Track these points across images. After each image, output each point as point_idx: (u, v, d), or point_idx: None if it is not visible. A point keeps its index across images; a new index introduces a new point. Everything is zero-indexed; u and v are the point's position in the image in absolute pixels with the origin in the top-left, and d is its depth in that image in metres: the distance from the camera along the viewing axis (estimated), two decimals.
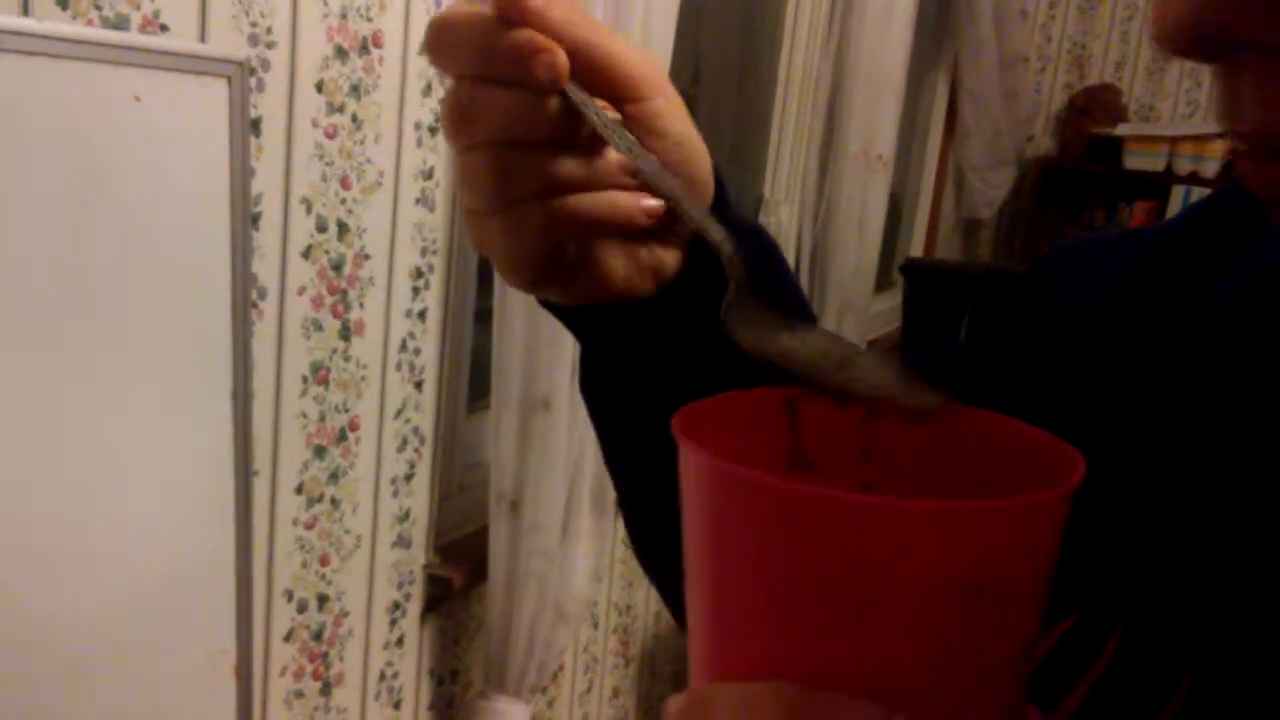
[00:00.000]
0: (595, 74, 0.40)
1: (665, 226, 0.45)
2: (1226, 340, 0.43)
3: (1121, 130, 3.89)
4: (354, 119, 1.27)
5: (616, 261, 0.45)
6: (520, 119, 0.39)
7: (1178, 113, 4.04)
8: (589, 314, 0.48)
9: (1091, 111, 4.00)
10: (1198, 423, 0.42)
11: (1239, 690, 0.36)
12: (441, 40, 0.40)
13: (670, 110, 0.43)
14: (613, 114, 0.41)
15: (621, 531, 2.13)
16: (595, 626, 2.14)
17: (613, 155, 0.42)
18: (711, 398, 0.32)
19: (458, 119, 0.40)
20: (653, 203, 0.43)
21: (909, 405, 0.32)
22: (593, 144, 0.41)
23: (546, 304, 0.49)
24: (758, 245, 0.50)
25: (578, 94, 0.39)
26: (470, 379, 1.64)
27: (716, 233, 0.40)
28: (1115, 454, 0.42)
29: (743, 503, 0.27)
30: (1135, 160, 3.82)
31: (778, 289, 0.51)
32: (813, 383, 0.33)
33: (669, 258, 0.47)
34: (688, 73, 2.44)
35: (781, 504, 0.26)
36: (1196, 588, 0.39)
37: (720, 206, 0.48)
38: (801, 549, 0.26)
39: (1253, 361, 0.41)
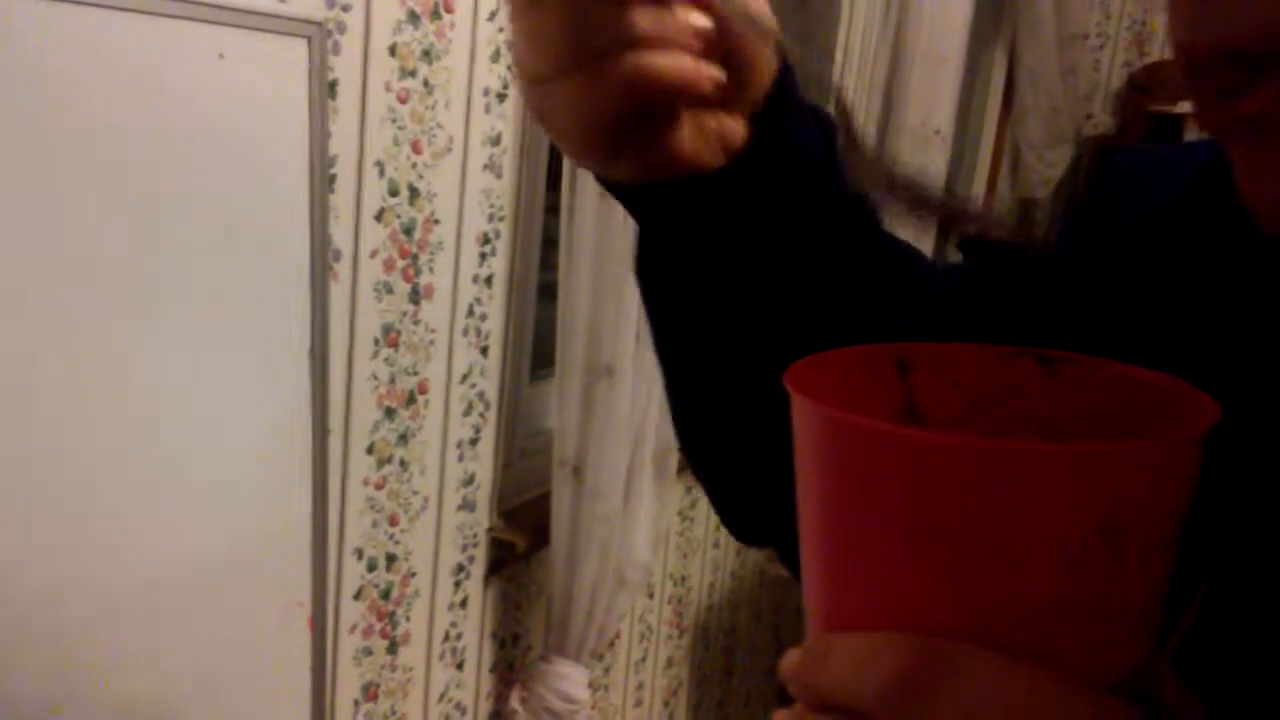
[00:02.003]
0: None
1: (732, 95, 0.43)
2: None
3: (1182, 108, 3.82)
4: (425, 84, 1.28)
5: (684, 130, 0.44)
6: None
7: None
8: (650, 193, 0.47)
9: (1151, 89, 3.92)
10: (1256, 364, 0.40)
11: None
12: None
13: None
14: None
15: (679, 502, 2.14)
16: (650, 596, 2.16)
17: (682, 15, 0.40)
18: (821, 354, 0.32)
19: None
20: (714, 70, 0.42)
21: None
22: (663, 1, 0.40)
23: (606, 185, 0.48)
24: (821, 138, 0.49)
25: None
26: (533, 350, 1.66)
27: (770, 25, 0.40)
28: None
29: (869, 453, 0.26)
30: (1197, 137, 3.74)
31: (838, 187, 0.50)
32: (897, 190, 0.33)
33: (736, 128, 0.45)
34: None
35: (912, 452, 0.26)
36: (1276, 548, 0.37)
37: (783, 90, 0.46)
38: (932, 497, 0.25)
39: None
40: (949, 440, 0.25)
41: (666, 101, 0.42)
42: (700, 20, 0.40)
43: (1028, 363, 0.33)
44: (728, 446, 0.54)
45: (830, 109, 0.49)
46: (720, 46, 0.42)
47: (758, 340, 0.48)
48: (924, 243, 2.85)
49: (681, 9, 0.40)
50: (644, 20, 0.39)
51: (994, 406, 0.33)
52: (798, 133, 0.47)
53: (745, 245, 0.47)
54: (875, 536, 0.27)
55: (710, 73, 0.41)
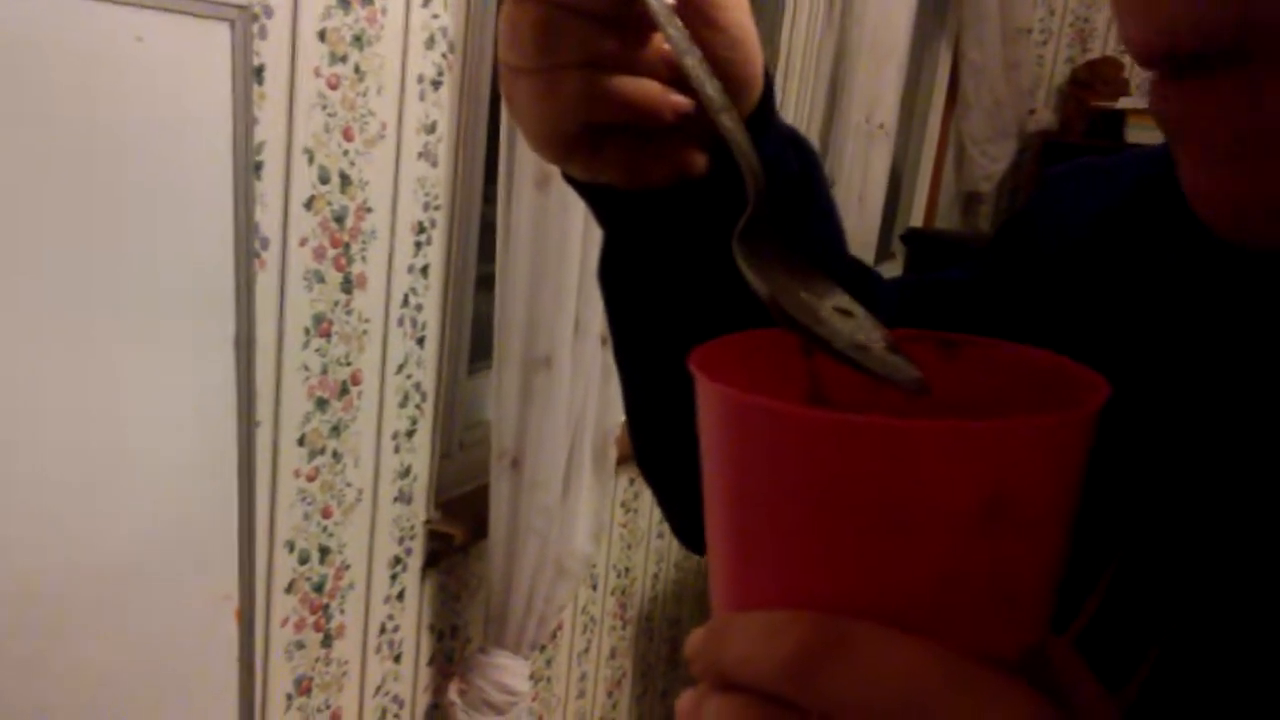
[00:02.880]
0: None
1: (696, 128, 0.44)
2: (1230, 268, 0.42)
3: (1124, 104, 3.88)
4: (356, 70, 1.27)
5: (639, 150, 0.45)
6: None
7: None
8: (613, 197, 0.48)
9: (1093, 85, 3.98)
10: (1190, 359, 0.41)
11: (1221, 641, 0.36)
12: None
13: (732, 1, 0.43)
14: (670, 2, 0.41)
15: (621, 493, 2.14)
16: (594, 588, 2.15)
17: (657, 45, 0.41)
18: (728, 335, 0.32)
19: None
20: (681, 100, 0.42)
21: (881, 377, 0.31)
22: (640, 29, 0.41)
23: (569, 179, 0.49)
24: (798, 158, 0.50)
25: None
26: (472, 342, 1.65)
27: (746, 149, 0.38)
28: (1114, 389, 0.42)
29: (761, 431, 0.27)
30: (1137, 134, 3.81)
31: (808, 210, 0.51)
32: (794, 330, 0.33)
33: (697, 159, 0.46)
34: None
35: (801, 430, 0.26)
36: (1187, 533, 0.38)
37: (765, 111, 0.47)
38: (822, 474, 0.26)
39: (1257, 301, 0.40)
40: (833, 418, 0.25)
41: (623, 120, 0.43)
42: (670, 51, 0.41)
43: (929, 346, 0.33)
44: (681, 453, 0.55)
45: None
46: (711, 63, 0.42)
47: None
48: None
49: (658, 37, 0.41)
50: (609, 43, 0.40)
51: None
52: (773, 150, 0.48)
53: (706, 258, 0.47)
54: (773, 516, 0.27)
55: (674, 102, 0.42)
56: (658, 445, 0.58)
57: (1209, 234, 0.32)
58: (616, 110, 0.42)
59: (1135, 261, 0.46)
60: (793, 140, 0.50)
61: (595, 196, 0.49)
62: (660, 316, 0.51)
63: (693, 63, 0.40)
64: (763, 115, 0.47)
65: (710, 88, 0.39)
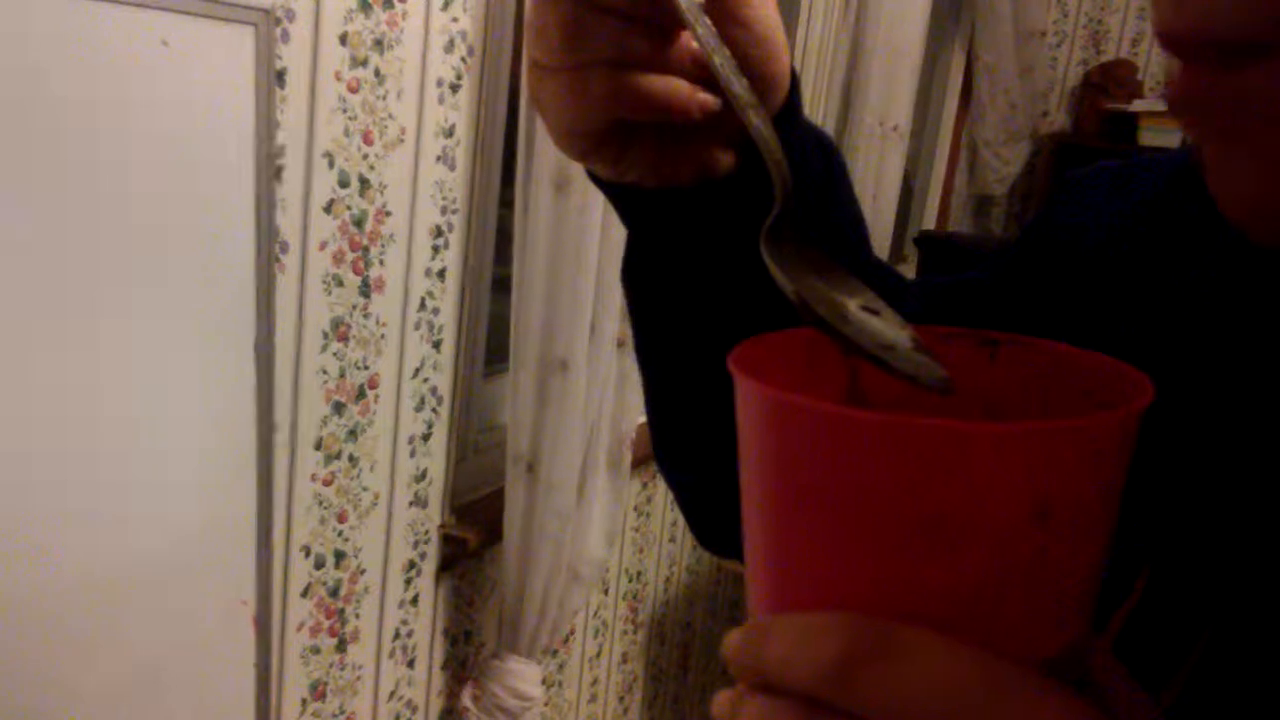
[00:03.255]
0: None
1: (723, 127, 0.44)
2: (1246, 275, 0.42)
3: (1137, 106, 3.86)
4: (377, 73, 1.26)
5: (664, 149, 0.45)
6: None
7: None
8: (638, 196, 0.48)
9: (1107, 87, 3.97)
10: (1213, 365, 0.41)
11: (1259, 643, 0.36)
12: None
13: (759, 0, 0.43)
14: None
15: (634, 497, 2.13)
16: (605, 592, 2.15)
17: (685, 44, 0.41)
18: (765, 335, 0.32)
19: None
20: (709, 99, 0.42)
21: (907, 376, 0.31)
22: (668, 28, 0.41)
23: (594, 178, 0.49)
24: (822, 158, 0.50)
25: None
26: (487, 345, 1.64)
27: (773, 147, 0.39)
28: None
29: (806, 432, 0.26)
30: (1150, 137, 3.79)
31: (832, 209, 0.51)
32: (821, 328, 0.33)
33: (723, 157, 0.46)
34: None
35: (847, 431, 0.26)
36: (1222, 536, 0.38)
37: (791, 109, 0.47)
38: (869, 476, 0.25)
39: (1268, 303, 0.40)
40: (879, 418, 0.25)
41: (649, 118, 0.43)
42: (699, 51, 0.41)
43: (970, 344, 0.33)
44: (703, 451, 0.55)
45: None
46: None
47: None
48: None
49: (685, 35, 0.41)
50: (637, 42, 0.40)
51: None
52: (799, 149, 0.48)
53: (732, 257, 0.47)
54: (815, 518, 0.27)
55: (702, 100, 0.42)
56: (679, 444, 0.58)
57: (1232, 235, 0.32)
58: (644, 108, 0.42)
59: (1159, 263, 0.46)
60: (817, 140, 0.50)
61: (620, 195, 0.49)
62: (684, 316, 0.51)
63: (720, 60, 0.39)
64: (789, 114, 0.47)
65: (738, 85, 0.39)
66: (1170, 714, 0.37)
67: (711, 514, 0.60)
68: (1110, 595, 0.40)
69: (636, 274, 0.52)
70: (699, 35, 0.39)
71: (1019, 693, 0.25)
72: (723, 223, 0.47)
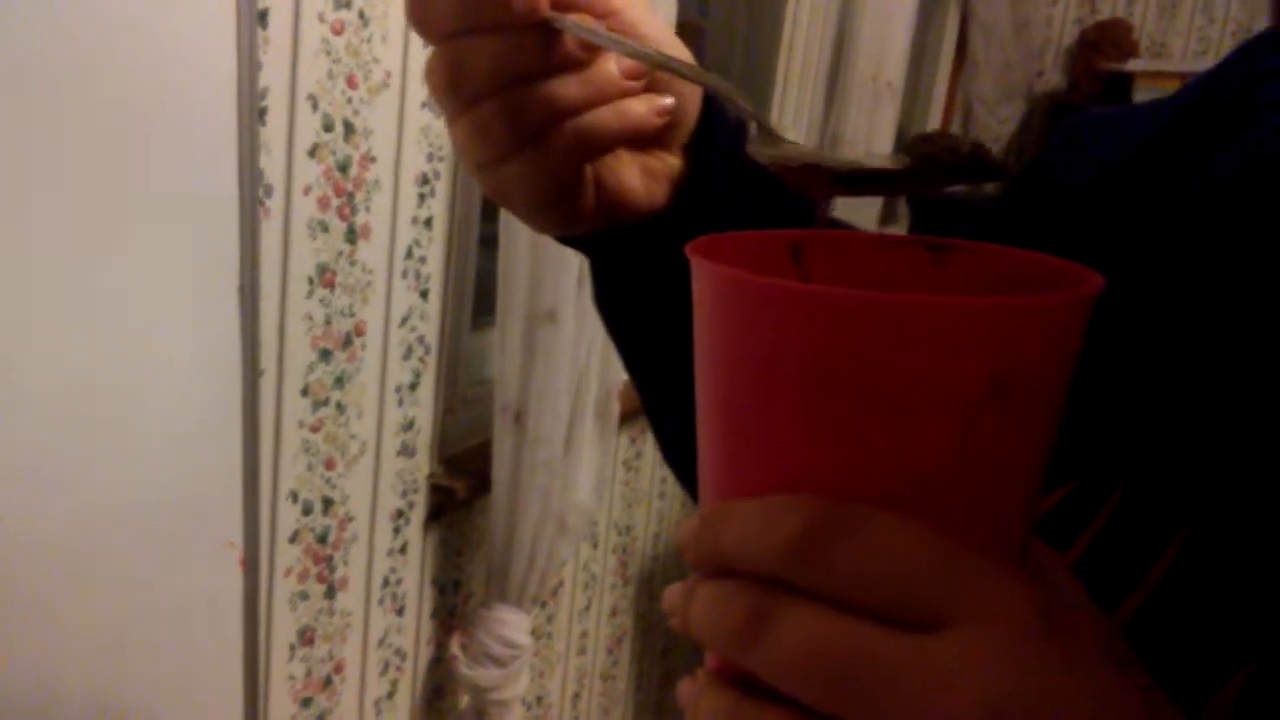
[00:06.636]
0: (562, 2, 0.41)
1: (668, 132, 0.46)
2: (1245, 204, 0.42)
3: (1132, 66, 3.84)
4: (361, 15, 1.25)
5: (634, 176, 0.46)
6: (513, 56, 0.40)
7: (1189, 50, 3.99)
8: (604, 238, 0.49)
9: (1102, 46, 3.94)
10: (1199, 284, 0.41)
11: (1229, 550, 0.36)
12: (421, 5, 0.41)
13: (647, 18, 0.44)
14: (593, 24, 0.42)
15: (624, 451, 2.14)
16: (595, 546, 2.16)
17: (608, 68, 0.42)
18: (716, 235, 0.32)
19: (452, 77, 0.41)
20: (665, 101, 0.44)
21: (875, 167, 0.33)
22: (586, 63, 0.42)
23: (562, 239, 0.50)
24: (753, 187, 0.51)
25: (558, 16, 0.40)
26: (475, 299, 1.64)
27: (740, 96, 0.41)
28: (1117, 319, 0.42)
29: (767, 311, 0.27)
30: (1146, 97, 3.76)
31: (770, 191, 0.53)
32: (817, 168, 0.35)
33: (676, 161, 0.48)
34: (694, 1, 2.40)
35: (805, 307, 0.26)
36: (1196, 450, 0.39)
37: (708, 119, 0.48)
38: (827, 354, 0.26)
39: (1266, 229, 0.41)
40: (842, 294, 0.25)
41: (614, 149, 0.44)
42: (627, 62, 0.42)
43: (918, 250, 0.33)
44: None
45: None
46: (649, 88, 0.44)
47: None
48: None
49: (606, 59, 0.42)
50: (572, 87, 0.41)
51: (885, 290, 0.33)
52: (733, 152, 0.49)
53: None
54: (773, 399, 0.27)
55: (659, 105, 0.44)
56: (683, 444, 0.58)
57: (1220, 180, 0.32)
58: (606, 141, 0.43)
59: (1152, 201, 0.46)
60: (744, 130, 0.51)
61: (586, 242, 0.50)
62: (666, 332, 0.52)
63: (658, 53, 0.41)
64: (709, 118, 0.48)
65: (684, 64, 0.41)
66: (1139, 618, 0.37)
67: None
68: (1090, 506, 0.40)
69: (608, 302, 0.53)
70: (623, 51, 0.41)
71: (978, 572, 0.26)
72: (679, 242, 0.49)
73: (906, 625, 0.25)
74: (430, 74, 0.42)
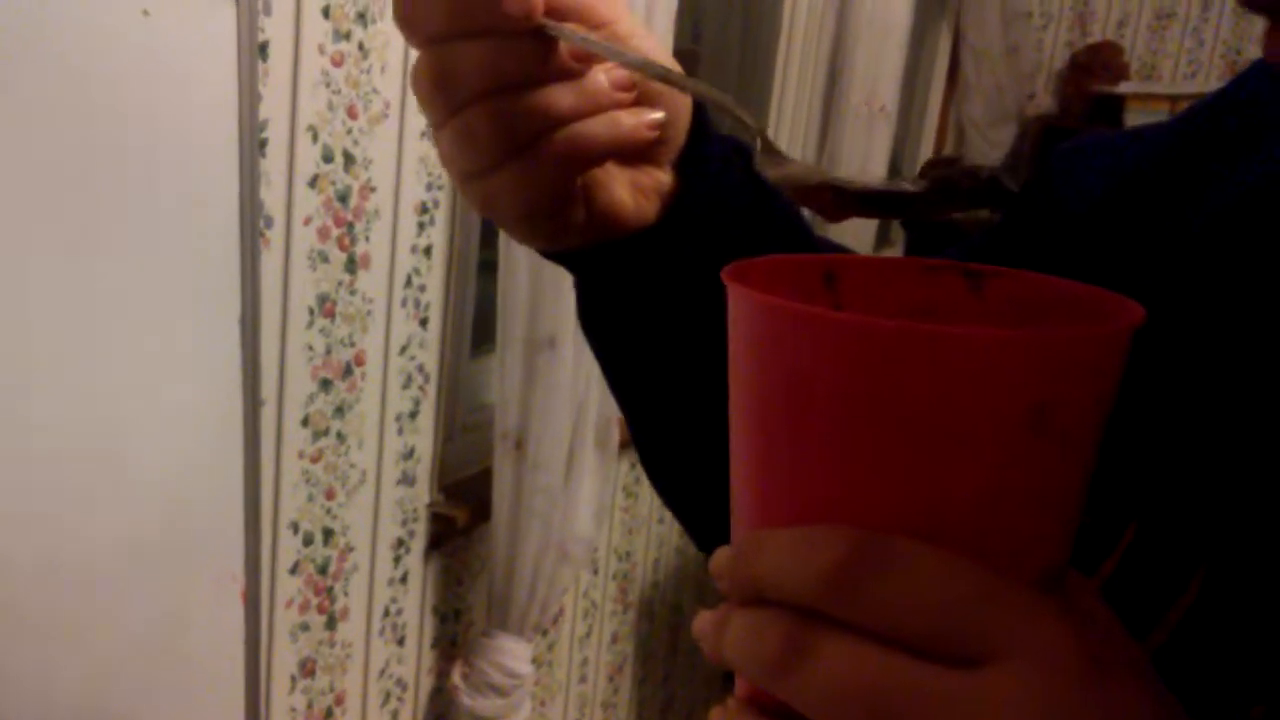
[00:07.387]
0: (555, 9, 0.40)
1: (657, 148, 0.45)
2: (1249, 229, 0.42)
3: (1123, 89, 3.87)
4: (360, 47, 1.25)
5: (623, 191, 0.45)
6: (504, 62, 0.39)
7: (1179, 72, 4.02)
8: (591, 255, 0.48)
9: (1093, 69, 3.97)
10: (1210, 319, 0.41)
11: (1245, 593, 0.36)
12: (410, 6, 0.39)
13: (637, 30, 0.43)
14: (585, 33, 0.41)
15: (624, 477, 2.13)
16: (595, 572, 2.15)
17: (599, 79, 0.41)
18: (750, 260, 0.32)
19: (439, 83, 0.40)
20: (656, 115, 0.43)
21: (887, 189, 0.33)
22: (578, 72, 0.41)
23: (547, 254, 0.48)
24: (743, 165, 0.51)
25: (552, 24, 0.39)
26: (474, 325, 1.64)
27: (741, 109, 0.40)
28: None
29: (806, 339, 0.26)
30: (1137, 119, 3.80)
31: (769, 208, 0.52)
32: (840, 189, 0.35)
33: (666, 178, 0.47)
34: (688, 28, 2.42)
35: (847, 336, 0.26)
36: (1207, 491, 0.38)
37: (700, 125, 0.48)
38: (859, 381, 0.25)
39: (1273, 256, 0.41)
40: (876, 323, 0.25)
41: (603, 161, 0.43)
42: (618, 74, 0.41)
43: (955, 276, 0.33)
44: (694, 469, 0.55)
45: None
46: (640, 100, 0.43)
47: (707, 377, 0.49)
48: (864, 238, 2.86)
49: (597, 70, 0.41)
50: (564, 96, 0.40)
51: (922, 318, 0.33)
52: (723, 169, 0.48)
53: (687, 289, 0.48)
54: (810, 428, 0.27)
55: (650, 119, 0.42)
56: (670, 466, 0.57)
57: (1230, 203, 0.31)
58: (596, 153, 0.42)
59: (1152, 224, 0.46)
60: (735, 146, 0.50)
61: (572, 259, 0.49)
62: (653, 352, 0.51)
63: (652, 65, 0.40)
64: (700, 132, 0.48)
65: (681, 76, 0.41)
66: (1159, 656, 0.37)
67: (709, 525, 0.60)
68: (1100, 544, 0.40)
69: (595, 323, 0.52)
70: (618, 60, 0.40)
71: (1018, 606, 0.25)
72: (666, 260, 0.47)
73: (944, 659, 0.25)
74: (417, 78, 0.40)
